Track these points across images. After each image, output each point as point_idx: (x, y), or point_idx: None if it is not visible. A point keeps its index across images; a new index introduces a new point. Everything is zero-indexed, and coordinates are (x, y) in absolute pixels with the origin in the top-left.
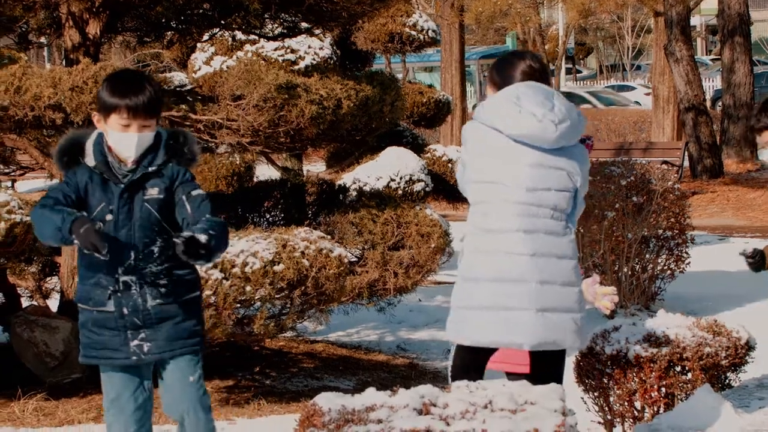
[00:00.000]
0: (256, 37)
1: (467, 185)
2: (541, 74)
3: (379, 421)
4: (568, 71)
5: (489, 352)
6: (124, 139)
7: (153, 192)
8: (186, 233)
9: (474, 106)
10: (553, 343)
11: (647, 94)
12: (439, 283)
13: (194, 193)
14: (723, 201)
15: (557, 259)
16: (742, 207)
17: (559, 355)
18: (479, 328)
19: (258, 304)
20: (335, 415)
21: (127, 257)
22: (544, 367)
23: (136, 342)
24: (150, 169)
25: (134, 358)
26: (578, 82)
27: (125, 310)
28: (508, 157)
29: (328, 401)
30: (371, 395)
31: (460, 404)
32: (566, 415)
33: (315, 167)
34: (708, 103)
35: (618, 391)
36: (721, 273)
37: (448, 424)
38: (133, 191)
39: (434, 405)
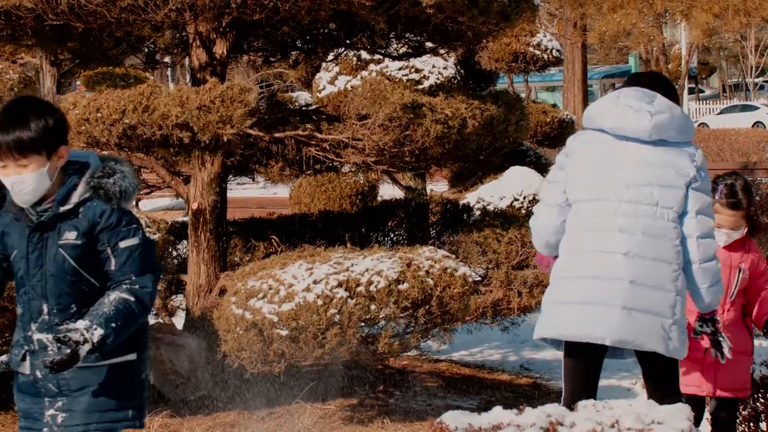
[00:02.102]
0: (381, 57)
1: (554, 185)
2: (654, 83)
3: None
4: (691, 91)
5: (592, 356)
6: (5, 181)
7: (69, 236)
8: (72, 333)
9: None
10: (634, 343)
11: None
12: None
13: (122, 244)
14: None
15: (653, 261)
16: None
17: (666, 362)
18: (561, 320)
19: (382, 322)
20: None
21: (40, 312)
22: (653, 372)
23: (51, 411)
24: (62, 209)
25: (45, 429)
26: (701, 101)
27: (38, 374)
28: (610, 153)
29: (454, 419)
30: (498, 414)
31: (587, 423)
32: None
33: (438, 187)
34: None
35: (743, 412)
36: None
37: None
38: (44, 234)
39: (561, 424)
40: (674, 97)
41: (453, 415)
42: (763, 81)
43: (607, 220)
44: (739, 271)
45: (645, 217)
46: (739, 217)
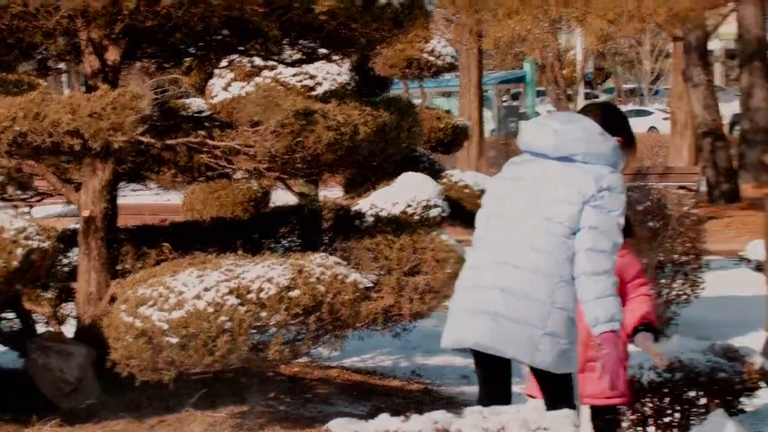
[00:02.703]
0: (275, 63)
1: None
2: (601, 113)
3: None
4: (587, 96)
5: (493, 364)
6: None
7: None
8: None
9: (492, 131)
10: (497, 350)
11: (665, 118)
12: None
13: None
14: (739, 226)
15: (530, 273)
16: (758, 232)
17: (549, 375)
18: (447, 330)
19: (273, 329)
20: None
21: None
22: (540, 381)
23: None
24: None
25: None
26: None
27: None
28: (518, 169)
29: (341, 427)
30: (384, 421)
31: (473, 430)
32: None
33: (332, 193)
34: (726, 128)
35: (632, 417)
36: (735, 298)
37: None
38: None
39: (447, 431)
40: (618, 122)
41: (340, 423)
42: (658, 87)
43: (499, 234)
44: None
45: (535, 231)
46: None
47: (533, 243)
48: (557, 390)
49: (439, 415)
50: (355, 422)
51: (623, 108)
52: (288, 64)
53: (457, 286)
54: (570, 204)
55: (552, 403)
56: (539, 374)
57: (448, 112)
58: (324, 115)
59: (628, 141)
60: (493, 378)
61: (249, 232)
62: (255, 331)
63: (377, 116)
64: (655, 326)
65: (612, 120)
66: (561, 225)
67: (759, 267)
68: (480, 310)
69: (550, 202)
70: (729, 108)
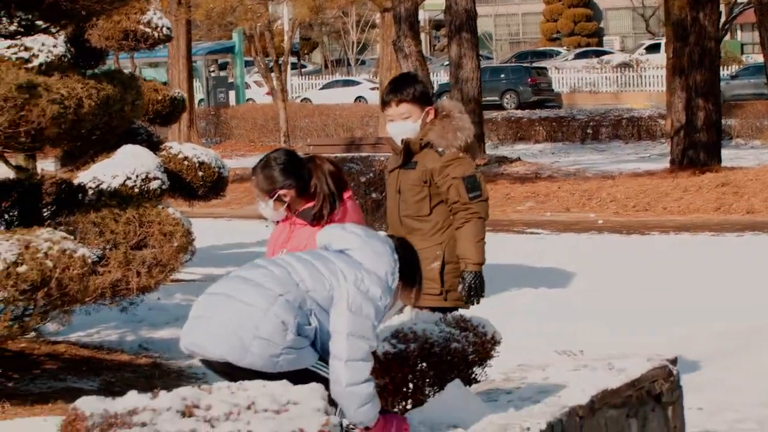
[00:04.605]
0: None
1: None
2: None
3: (144, 425)
4: (293, 66)
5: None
6: None
7: None
8: None
9: (200, 101)
10: (201, 351)
11: (372, 88)
12: (179, 281)
13: None
14: None
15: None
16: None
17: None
18: None
19: (1, 306)
20: (98, 419)
21: None
22: None
23: None
24: None
25: None
26: (303, 77)
27: None
28: None
29: (89, 405)
30: (133, 398)
31: (223, 405)
32: (329, 414)
33: (46, 165)
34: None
35: None
36: None
37: (213, 426)
38: None
39: (197, 407)
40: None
41: (87, 401)
42: (365, 57)
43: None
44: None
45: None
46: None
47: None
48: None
49: (188, 391)
50: (103, 400)
51: (331, 78)
52: (5, 37)
53: None
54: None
55: None
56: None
57: (165, 83)
58: (47, 89)
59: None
60: None
61: None
62: None
63: (101, 89)
64: None
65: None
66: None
67: None
68: (198, 314)
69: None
70: (434, 78)
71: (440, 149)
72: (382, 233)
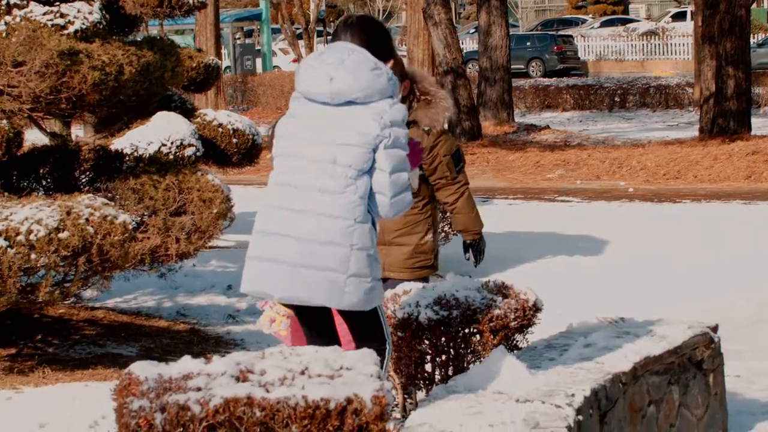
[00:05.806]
0: (25, 2)
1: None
2: (360, 30)
3: (199, 389)
4: (320, 33)
5: (311, 316)
6: None
7: None
8: None
9: (227, 69)
10: (300, 299)
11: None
12: (213, 247)
13: None
14: (483, 163)
15: (324, 217)
16: (502, 169)
17: (359, 316)
18: (245, 278)
19: (42, 271)
20: (153, 383)
21: None
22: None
23: None
24: None
25: None
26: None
27: None
28: (302, 114)
29: (143, 370)
30: (187, 363)
31: (277, 371)
32: (382, 379)
33: (79, 132)
34: None
35: (409, 354)
36: (486, 234)
37: (268, 391)
38: None
39: (251, 372)
40: (383, 41)
41: (141, 366)
42: (390, 24)
43: (290, 177)
44: None
45: (322, 175)
46: None
47: (325, 187)
48: (369, 330)
49: (242, 356)
50: (157, 365)
51: None
52: (41, 3)
53: (254, 229)
54: (356, 147)
55: (363, 346)
56: (350, 317)
57: (199, 50)
58: (89, 55)
59: (394, 58)
60: (318, 333)
61: (7, 173)
62: (24, 273)
63: (141, 56)
64: None
65: (377, 42)
66: (349, 168)
67: None
68: (274, 258)
69: (334, 146)
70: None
71: (426, 128)
72: None
